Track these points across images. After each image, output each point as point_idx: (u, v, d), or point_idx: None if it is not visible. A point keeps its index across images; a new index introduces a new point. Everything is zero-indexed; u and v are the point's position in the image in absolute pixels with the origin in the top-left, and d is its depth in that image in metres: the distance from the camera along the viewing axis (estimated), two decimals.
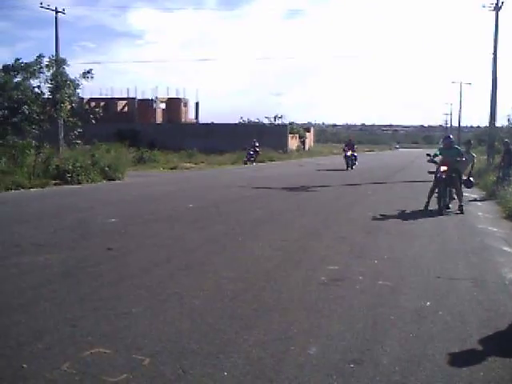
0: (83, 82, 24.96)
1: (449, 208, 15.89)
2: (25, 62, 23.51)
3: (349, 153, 38.53)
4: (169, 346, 5.41)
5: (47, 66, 24.02)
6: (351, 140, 41.60)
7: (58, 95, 24.04)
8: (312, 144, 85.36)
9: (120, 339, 5.57)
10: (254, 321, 6.24)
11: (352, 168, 37.88)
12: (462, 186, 16.81)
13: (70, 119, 25.30)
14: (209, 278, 8.08)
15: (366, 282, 7.99)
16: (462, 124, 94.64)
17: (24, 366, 4.93)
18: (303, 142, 76.52)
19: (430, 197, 15.81)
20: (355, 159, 39.42)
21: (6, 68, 23.20)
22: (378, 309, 6.79)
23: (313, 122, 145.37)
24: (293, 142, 69.16)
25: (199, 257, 9.51)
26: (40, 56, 23.95)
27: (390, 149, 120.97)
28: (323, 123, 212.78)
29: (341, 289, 7.62)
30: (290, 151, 63.67)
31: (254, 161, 45.72)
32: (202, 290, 7.40)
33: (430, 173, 16.57)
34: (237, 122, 76.01)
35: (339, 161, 41.58)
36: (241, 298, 7.12)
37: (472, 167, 18.99)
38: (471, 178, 18.62)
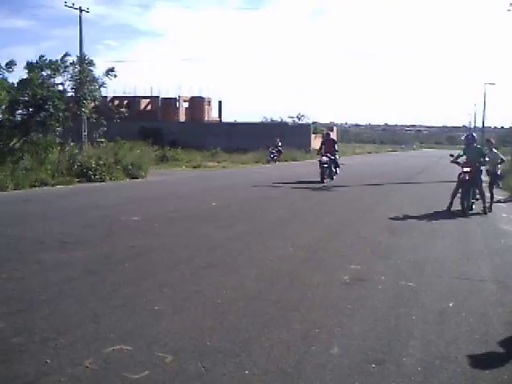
0: (106, 79, 25.08)
1: (472, 209, 15.77)
2: (49, 59, 23.67)
3: (324, 158, 25.46)
4: (191, 344, 5.43)
5: (72, 63, 24.16)
6: (329, 135, 28.88)
7: (81, 92, 24.15)
8: None
9: (142, 336, 5.60)
10: (276, 320, 6.24)
11: (332, 178, 25.79)
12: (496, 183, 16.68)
13: (93, 116, 25.43)
14: (231, 276, 8.10)
15: (389, 282, 7.97)
16: (485, 124, 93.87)
17: (48, 361, 4.98)
18: None
19: (453, 198, 15.70)
20: (336, 166, 26.51)
21: (30, 65, 23.33)
22: (400, 309, 6.77)
23: (336, 122, 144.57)
24: (316, 142, 68.94)
25: (222, 255, 9.53)
26: (66, 55, 24.11)
27: (414, 149, 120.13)
28: (346, 123, 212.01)
29: (363, 289, 7.60)
30: (314, 151, 63.42)
31: (277, 160, 45.66)
32: (224, 289, 7.42)
33: (451, 156, 16.43)
34: (259, 121, 76.04)
35: (361, 160, 41.26)
36: (263, 296, 7.13)
37: (500, 163, 18.47)
38: (499, 172, 18.37)
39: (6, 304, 6.64)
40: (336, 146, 26.98)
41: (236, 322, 6.13)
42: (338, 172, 26.62)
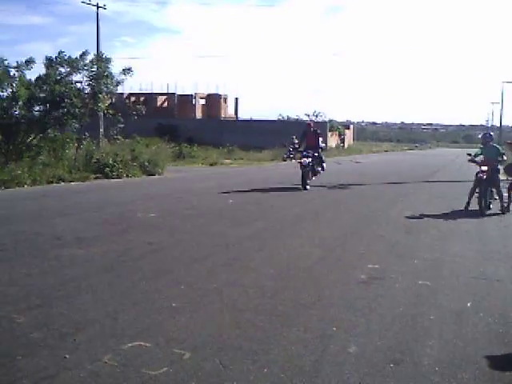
0: (123, 77, 25.17)
1: (490, 209, 15.67)
2: (68, 55, 23.82)
3: (306, 160, 20.74)
4: (208, 341, 5.44)
5: (91, 62, 24.28)
6: (310, 125, 22.33)
7: (97, 88, 24.24)
8: (351, 142, 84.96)
9: (160, 333, 5.63)
10: (294, 318, 6.24)
11: (315, 175, 21.89)
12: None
13: (110, 111, 25.53)
14: (249, 274, 8.11)
15: (406, 281, 7.94)
16: (503, 123, 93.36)
17: (66, 356, 5.02)
18: (342, 140, 76.16)
19: (470, 197, 15.61)
20: (321, 162, 22.17)
21: (49, 61, 23.48)
22: (417, 308, 6.75)
23: (352, 120, 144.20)
24: (332, 140, 68.93)
25: (239, 253, 9.55)
26: (84, 52, 24.24)
27: (430, 147, 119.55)
28: (362, 121, 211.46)
29: (380, 288, 7.58)
30: (329, 148, 63.48)
31: (294, 158, 45.59)
32: (242, 286, 7.43)
33: (469, 155, 16.30)
34: (276, 118, 76.04)
35: (377, 159, 41.05)
36: (280, 294, 7.13)
37: None
38: None
39: (25, 299, 6.70)
40: (321, 140, 21.97)
41: (253, 319, 6.14)
42: (324, 168, 22.61)
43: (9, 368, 4.81)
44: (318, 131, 22.21)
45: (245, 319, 6.14)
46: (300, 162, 20.72)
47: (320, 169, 22.07)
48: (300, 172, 20.59)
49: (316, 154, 21.27)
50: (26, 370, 4.75)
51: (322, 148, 22.15)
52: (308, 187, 20.21)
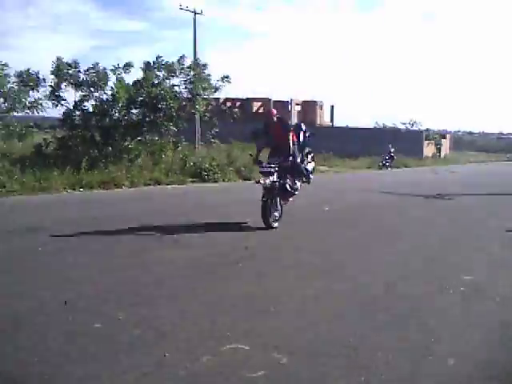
0: (220, 84, 25.45)
1: None
2: (165, 60, 24.31)
3: (268, 179, 11.91)
4: (306, 347, 5.44)
5: (189, 67, 24.70)
6: (274, 114, 12.87)
7: (194, 92, 24.61)
8: (448, 151, 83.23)
9: (258, 336, 5.67)
10: (391, 327, 6.16)
11: (291, 198, 13.21)
12: None
13: (207, 114, 25.85)
14: (347, 282, 8.05)
15: (507, 294, 7.71)
16: None
17: (166, 354, 5.12)
18: (439, 149, 74.68)
19: None
20: (301, 174, 13.27)
21: (147, 65, 24.02)
22: None
23: (448, 130, 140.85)
24: (428, 149, 67.74)
25: (336, 260, 9.52)
26: (182, 57, 24.68)
27: None
28: (459, 130, 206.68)
29: (480, 300, 7.39)
30: (425, 158, 62.48)
31: (389, 166, 45.18)
32: (340, 294, 7.41)
33: None
34: (372, 126, 75.41)
35: (475, 169, 40.01)
36: (379, 303, 7.06)
37: None
38: None
39: (126, 297, 6.91)
40: (302, 136, 13.46)
41: (350, 327, 6.10)
42: (309, 177, 13.74)
43: (111, 362, 4.96)
44: (300, 124, 14.74)
45: (342, 327, 6.11)
46: (258, 182, 12.00)
47: (298, 183, 13.24)
48: None
49: (289, 160, 12.41)
50: (128, 365, 4.89)
51: (307, 151, 13.70)
52: (275, 224, 12.14)
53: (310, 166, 13.74)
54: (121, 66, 23.19)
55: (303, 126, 14.01)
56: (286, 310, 6.60)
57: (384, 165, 44.52)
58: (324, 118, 77.09)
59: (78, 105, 23.20)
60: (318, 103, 75.24)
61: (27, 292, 7.04)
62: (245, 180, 25.46)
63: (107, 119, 23.19)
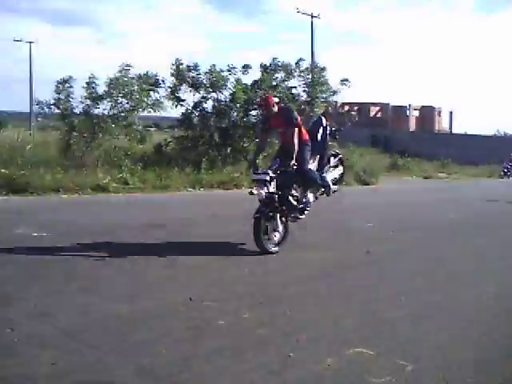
0: (339, 87, 25.32)
1: None
2: (283, 61, 24.38)
3: (263, 189, 9.20)
4: (432, 355, 5.32)
5: (306, 69, 24.73)
6: (271, 103, 9.79)
7: (313, 94, 24.57)
8: None
9: (382, 342, 5.60)
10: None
11: (289, 218, 10.04)
12: None
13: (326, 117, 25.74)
14: (469, 291, 7.85)
15: None
16: None
17: (291, 354, 5.14)
18: None
19: None
20: (327, 186, 10.50)
21: (264, 66, 24.16)
22: None
23: None
24: None
25: (459, 269, 9.27)
26: (300, 59, 24.74)
27: None
28: None
29: None
30: None
31: (511, 175, 43.57)
32: (462, 303, 7.24)
33: None
34: (492, 133, 73.03)
35: None
36: (501, 317, 6.83)
37: None
38: None
39: (249, 297, 7.00)
40: (321, 133, 10.52)
41: (477, 335, 5.93)
42: (322, 194, 10.78)
43: (239, 358, 5.05)
44: (320, 118, 11.16)
45: (468, 335, 5.96)
46: (251, 193, 9.41)
47: (311, 196, 10.37)
48: None
49: (292, 165, 9.55)
50: (254, 362, 4.96)
51: (323, 138, 10.55)
52: (274, 249, 9.47)
53: (333, 174, 10.98)
54: (237, 67, 23.54)
55: (324, 121, 10.70)
56: (410, 317, 6.48)
57: (506, 174, 42.95)
58: (442, 124, 75.37)
59: (197, 105, 23.73)
60: (436, 109, 73.66)
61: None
62: (363, 184, 25.28)
63: (226, 120, 23.58)
